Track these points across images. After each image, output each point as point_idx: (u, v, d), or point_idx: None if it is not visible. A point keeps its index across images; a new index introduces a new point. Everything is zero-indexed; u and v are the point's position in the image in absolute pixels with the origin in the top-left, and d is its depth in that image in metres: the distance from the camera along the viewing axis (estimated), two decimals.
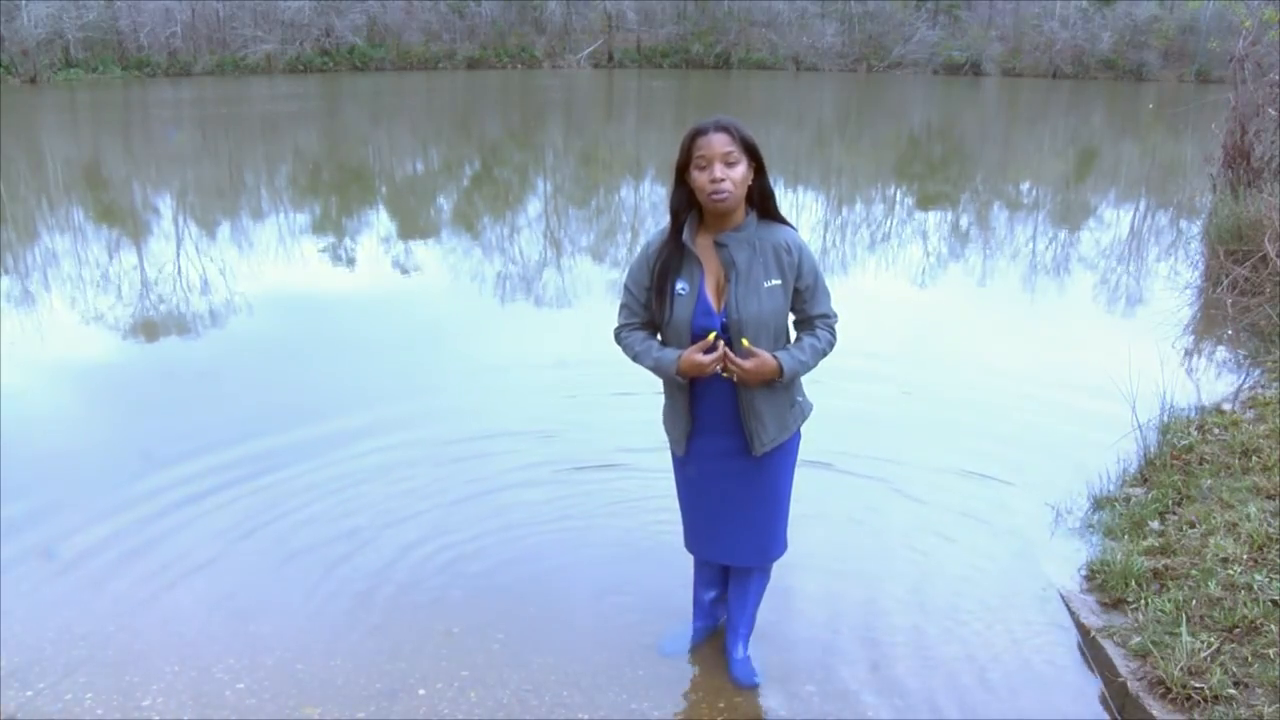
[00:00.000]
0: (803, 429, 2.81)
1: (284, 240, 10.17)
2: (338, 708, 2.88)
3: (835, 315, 2.71)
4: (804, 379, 2.77)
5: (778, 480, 2.80)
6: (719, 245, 2.55)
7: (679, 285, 2.57)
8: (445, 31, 41.85)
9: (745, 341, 2.51)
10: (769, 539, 2.86)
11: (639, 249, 2.70)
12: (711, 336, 2.52)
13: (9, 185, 13.29)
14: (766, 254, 2.54)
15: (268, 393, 5.40)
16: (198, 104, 27.00)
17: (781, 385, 2.61)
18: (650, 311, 2.64)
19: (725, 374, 2.56)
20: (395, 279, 8.58)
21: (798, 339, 2.69)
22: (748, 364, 2.51)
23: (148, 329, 6.87)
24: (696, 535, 2.95)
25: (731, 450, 2.70)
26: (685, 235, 2.57)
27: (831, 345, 2.70)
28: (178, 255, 9.17)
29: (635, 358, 2.68)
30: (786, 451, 2.77)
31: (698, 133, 2.48)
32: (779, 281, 2.55)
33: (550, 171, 16.09)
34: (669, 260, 2.59)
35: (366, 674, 3.03)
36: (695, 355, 2.52)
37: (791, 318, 2.71)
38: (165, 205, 12.43)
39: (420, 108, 27.39)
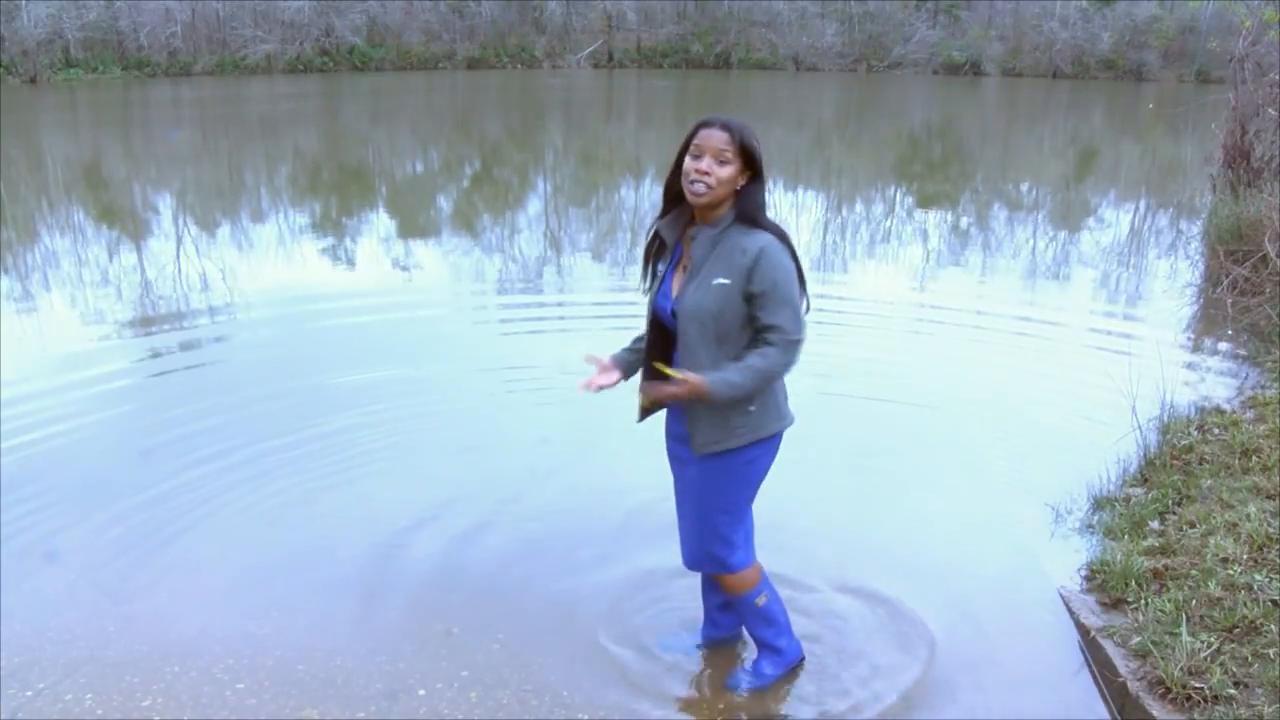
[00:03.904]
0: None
1: (284, 240, 10.17)
2: (338, 708, 2.88)
3: (792, 331, 2.49)
4: (794, 386, 2.75)
5: (710, 490, 2.69)
6: (690, 238, 2.61)
7: (660, 265, 2.72)
8: (445, 31, 41.83)
9: (665, 368, 2.53)
10: (696, 546, 2.79)
11: None
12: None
13: (9, 185, 13.28)
14: (724, 253, 2.53)
15: (266, 393, 5.40)
16: (198, 104, 26.99)
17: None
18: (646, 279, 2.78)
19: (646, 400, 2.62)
20: (395, 278, 8.58)
21: (743, 356, 2.53)
22: (678, 390, 2.46)
23: (147, 328, 6.87)
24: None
25: (683, 439, 2.71)
26: (672, 223, 2.64)
27: (783, 364, 2.50)
28: (178, 255, 9.17)
29: None
30: (729, 465, 2.64)
31: (703, 124, 2.52)
32: (727, 281, 2.50)
33: (550, 171, 16.09)
34: (658, 242, 2.72)
35: (366, 674, 3.03)
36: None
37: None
38: (165, 205, 12.42)
39: (420, 108, 27.38)
